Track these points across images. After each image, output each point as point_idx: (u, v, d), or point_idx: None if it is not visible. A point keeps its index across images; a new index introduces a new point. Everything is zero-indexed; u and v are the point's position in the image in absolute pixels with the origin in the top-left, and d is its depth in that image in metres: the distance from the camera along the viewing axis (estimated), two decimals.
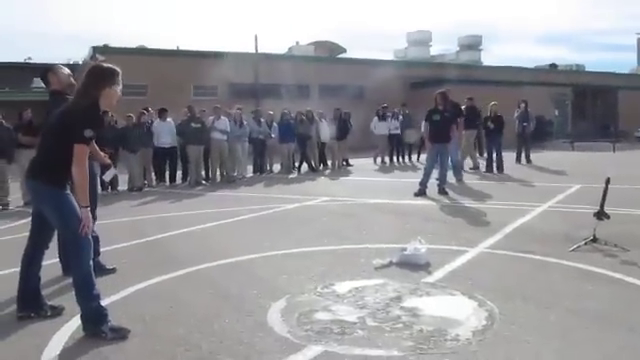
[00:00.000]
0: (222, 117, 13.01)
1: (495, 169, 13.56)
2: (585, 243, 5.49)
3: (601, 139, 25.81)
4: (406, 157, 17.77)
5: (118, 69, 3.73)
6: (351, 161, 16.79)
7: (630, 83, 37.34)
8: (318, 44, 33.38)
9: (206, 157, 13.14)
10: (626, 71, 43.11)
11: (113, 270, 5.09)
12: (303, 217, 8.05)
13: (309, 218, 7.91)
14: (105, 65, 3.72)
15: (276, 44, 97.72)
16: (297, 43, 32.51)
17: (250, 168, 14.34)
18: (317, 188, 11.64)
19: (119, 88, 3.72)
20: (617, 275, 4.60)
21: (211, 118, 12.98)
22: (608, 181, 5.67)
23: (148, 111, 12.70)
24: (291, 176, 14.22)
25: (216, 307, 4.06)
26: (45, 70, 4.85)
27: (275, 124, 14.53)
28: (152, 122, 12.69)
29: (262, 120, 14.33)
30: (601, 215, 5.58)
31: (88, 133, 3.46)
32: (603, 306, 3.89)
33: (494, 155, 13.68)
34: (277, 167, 15.04)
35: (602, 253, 5.28)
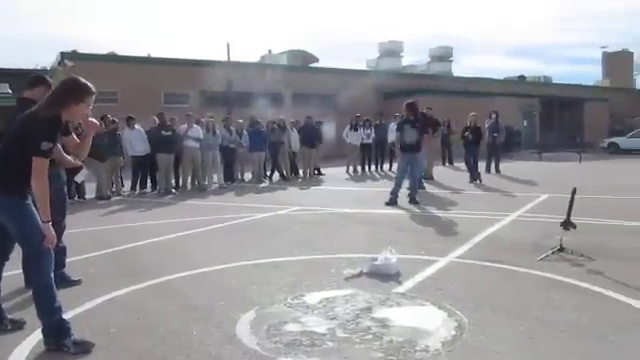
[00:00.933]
0: (195, 125, 12.88)
1: (471, 178, 13.70)
2: (552, 252, 5.57)
3: (568, 149, 26.34)
4: (377, 166, 17.87)
5: (94, 90, 3.58)
6: (323, 170, 16.80)
7: (595, 95, 38.29)
8: (291, 53, 33.45)
9: (176, 165, 13.00)
10: (591, 83, 44.12)
11: (78, 282, 4.96)
12: (274, 227, 8.00)
13: (280, 228, 7.86)
14: (82, 81, 3.57)
15: (249, 52, 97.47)
16: (270, 52, 32.53)
17: (221, 177, 14.21)
18: (288, 197, 11.60)
19: (87, 108, 3.59)
20: (584, 284, 4.66)
21: (184, 126, 12.84)
22: (574, 191, 5.77)
23: (113, 121, 12.37)
24: (262, 185, 14.15)
25: (184, 319, 3.98)
26: (40, 77, 4.66)
27: (245, 132, 14.45)
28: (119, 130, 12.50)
29: (232, 128, 14.25)
30: (568, 225, 5.67)
31: (45, 146, 3.30)
32: (570, 315, 3.93)
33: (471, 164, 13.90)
34: (248, 176, 14.96)
35: (569, 262, 5.36)
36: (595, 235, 6.56)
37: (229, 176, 14.27)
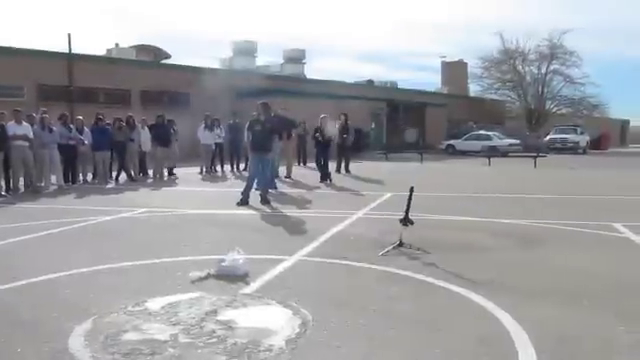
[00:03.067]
0: (24, 122, 11.76)
1: (322, 178, 14.09)
2: (393, 248, 5.89)
3: (411, 150, 28.24)
4: (232, 166, 17.72)
5: None
6: (175, 170, 16.26)
7: (435, 100, 41.42)
8: (140, 47, 31.87)
9: (7, 165, 11.77)
10: (432, 90, 47.69)
11: None
12: (118, 230, 7.56)
13: (124, 231, 7.45)
14: None
15: (93, 45, 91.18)
16: (117, 45, 30.75)
17: (60, 178, 13.15)
18: (136, 199, 11.05)
19: None
20: (419, 276, 4.99)
21: (11, 122, 11.66)
22: (412, 190, 6.15)
23: None
24: (107, 186, 13.35)
25: (7, 335, 3.60)
26: None
27: (87, 130, 13.52)
28: None
29: (72, 126, 13.25)
30: (406, 221, 6.04)
31: None
32: (408, 307, 4.18)
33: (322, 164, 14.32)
34: (91, 176, 14.04)
35: (407, 256, 5.70)
36: (431, 230, 7.06)
37: (69, 177, 13.25)
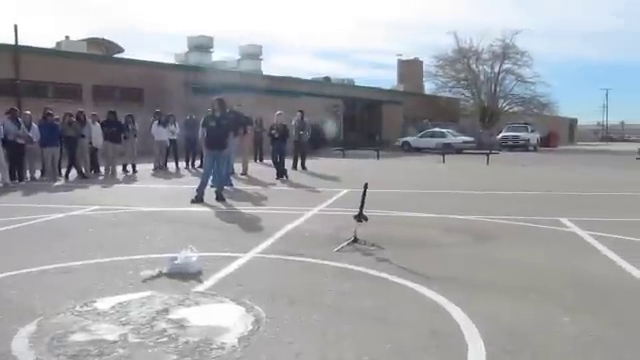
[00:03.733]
0: None
1: (278, 174, 14.03)
2: (347, 244, 5.92)
3: (368, 147, 28.47)
4: (187, 163, 17.45)
5: None
6: (129, 167, 15.92)
7: (392, 98, 41.88)
8: (92, 41, 31.01)
9: None
10: (388, 87, 48.15)
11: None
12: (67, 229, 7.34)
13: (74, 229, 7.24)
14: None
15: (42, 38, 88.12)
16: (67, 38, 29.83)
17: (6, 175, 12.67)
18: (87, 197, 10.75)
19: None
20: (373, 272, 5.03)
21: None
22: (366, 186, 6.20)
23: None
24: (57, 184, 12.94)
25: None
26: None
27: (35, 125, 13.08)
28: None
29: (20, 120, 12.79)
30: (360, 217, 6.08)
31: None
32: (361, 302, 4.20)
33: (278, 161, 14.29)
34: (40, 173, 13.60)
35: (361, 252, 5.74)
36: (385, 226, 7.14)
37: (16, 174, 12.78)
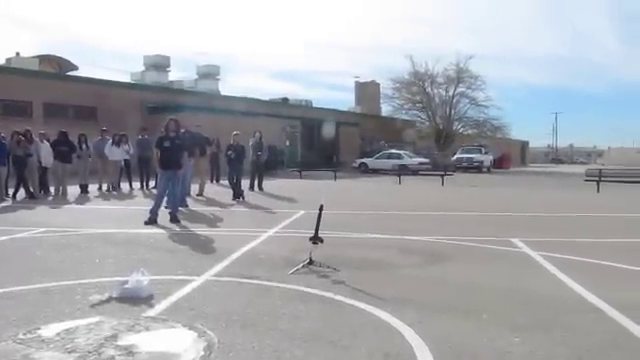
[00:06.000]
0: None
1: (234, 195, 13.91)
2: (303, 266, 5.89)
3: (325, 168, 28.59)
4: (142, 184, 17.12)
5: None
6: (82, 187, 15.48)
7: (349, 120, 42.29)
8: (44, 58, 30.37)
9: None
10: (346, 109, 48.68)
11: None
12: (12, 252, 7.07)
13: (19, 252, 6.97)
14: None
15: None
16: (18, 54, 29.08)
17: None
18: (34, 218, 10.39)
19: None
20: (328, 294, 5.01)
21: None
22: (321, 208, 6.21)
23: None
24: (4, 204, 12.48)
25: None
26: None
27: None
28: None
29: None
30: (315, 239, 6.06)
31: None
32: (315, 325, 4.17)
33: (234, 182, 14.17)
34: None
35: (316, 274, 5.72)
36: (340, 248, 7.14)
37: None
